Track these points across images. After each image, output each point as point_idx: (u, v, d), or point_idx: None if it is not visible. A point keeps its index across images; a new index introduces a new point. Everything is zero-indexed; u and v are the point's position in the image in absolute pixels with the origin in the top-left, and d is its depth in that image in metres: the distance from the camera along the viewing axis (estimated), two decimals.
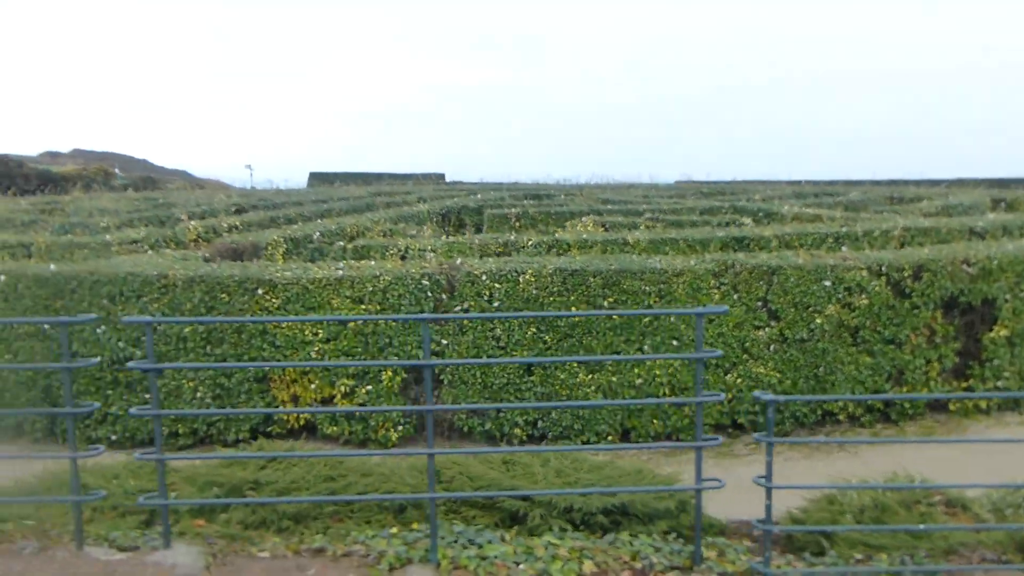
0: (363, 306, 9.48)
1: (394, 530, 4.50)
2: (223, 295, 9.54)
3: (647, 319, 9.46)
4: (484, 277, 9.50)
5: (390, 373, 9.44)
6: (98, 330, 9.64)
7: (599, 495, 5.81)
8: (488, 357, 9.37)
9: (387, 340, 9.41)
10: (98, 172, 39.20)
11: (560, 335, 9.43)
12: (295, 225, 15.08)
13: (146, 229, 14.58)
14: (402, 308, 9.46)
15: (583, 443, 9.45)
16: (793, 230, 12.78)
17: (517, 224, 17.32)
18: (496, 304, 9.50)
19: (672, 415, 9.57)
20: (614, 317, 9.40)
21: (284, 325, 9.41)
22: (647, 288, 9.53)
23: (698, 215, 16.28)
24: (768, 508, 3.87)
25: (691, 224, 15.16)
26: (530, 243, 12.15)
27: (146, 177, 41.52)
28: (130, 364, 3.79)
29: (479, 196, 23.13)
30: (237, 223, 16.28)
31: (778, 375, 9.71)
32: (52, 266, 10.12)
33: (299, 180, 49.87)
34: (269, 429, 9.69)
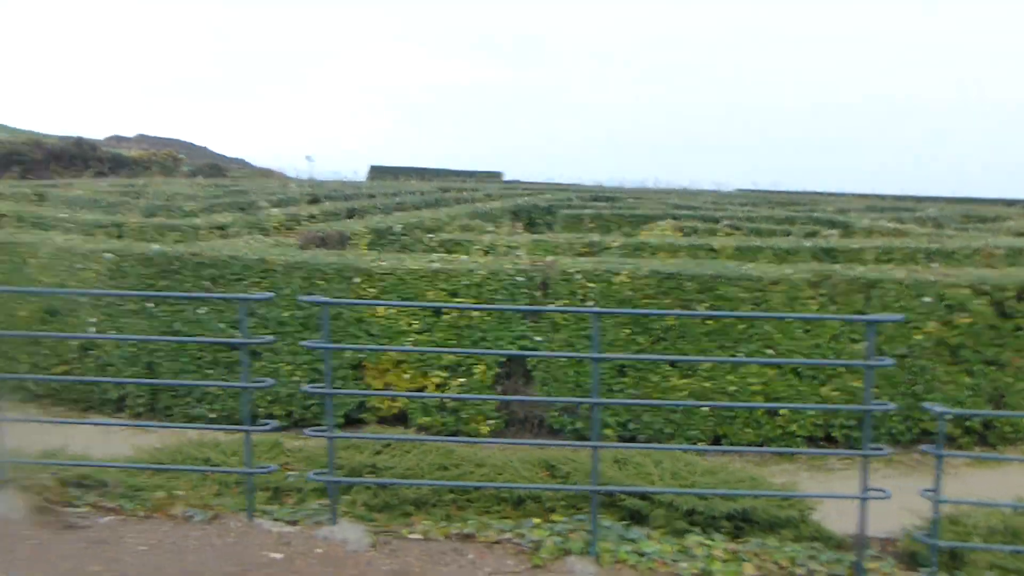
0: (457, 299, 9.57)
1: (536, 520, 4.54)
2: (321, 281, 9.72)
3: (742, 325, 9.39)
4: (578, 276, 9.52)
5: (483, 367, 9.51)
6: (198, 311, 9.89)
7: (721, 498, 5.80)
8: (579, 359, 9.39)
9: (481, 334, 9.49)
10: (166, 157, 40.17)
11: (654, 337, 9.41)
12: (375, 217, 15.28)
13: (232, 215, 14.90)
14: (495, 303, 9.53)
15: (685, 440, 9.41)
16: (883, 244, 12.56)
17: (591, 225, 17.31)
18: (590, 304, 9.52)
19: (764, 424, 9.49)
20: (708, 322, 9.35)
21: (381, 314, 9.54)
22: (743, 295, 9.45)
23: (776, 224, 16.09)
24: (935, 522, 3.82)
25: (770, 233, 15.00)
26: (615, 244, 12.14)
27: (211, 164, 42.39)
28: (306, 343, 3.89)
29: (547, 196, 23.18)
30: (316, 212, 16.56)
31: (875, 390, 9.54)
32: (155, 246, 10.41)
33: (355, 172, 50.26)
34: (362, 416, 9.83)
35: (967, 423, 9.69)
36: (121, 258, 10.22)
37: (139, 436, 9.86)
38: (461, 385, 9.62)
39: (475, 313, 9.53)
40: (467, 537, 4.19)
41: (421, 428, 9.85)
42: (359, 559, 3.54)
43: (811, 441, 9.46)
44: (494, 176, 49.94)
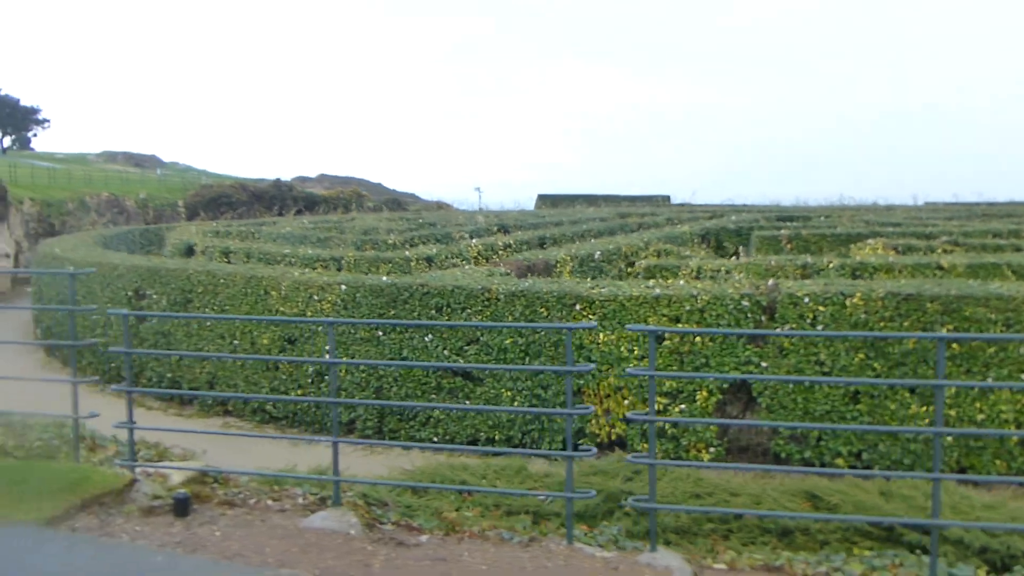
0: (679, 324, 9.51)
1: (845, 555, 4.39)
2: (542, 309, 9.96)
3: (992, 348, 8.73)
4: (807, 299, 9.21)
5: (705, 393, 9.37)
6: (426, 338, 10.40)
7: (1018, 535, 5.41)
8: (808, 386, 9.06)
9: (704, 359, 9.37)
10: (352, 195, 42.70)
11: (892, 362, 8.93)
12: (574, 244, 15.50)
13: (435, 246, 15.60)
14: (721, 328, 9.39)
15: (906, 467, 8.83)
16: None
17: (789, 247, 16.73)
18: (820, 327, 9.18)
19: (1019, 456, 8.74)
20: (954, 345, 8.76)
21: (602, 340, 9.65)
22: (992, 316, 8.79)
23: (1002, 238, 14.89)
24: None
25: (996, 248, 13.89)
26: (831, 265, 11.66)
27: (392, 199, 44.66)
28: (630, 371, 3.98)
29: (733, 218, 22.67)
30: (511, 241, 17.02)
31: None
32: (385, 278, 11.07)
33: (516, 202, 51.07)
34: (580, 442, 9.95)
35: None
36: (355, 289, 10.94)
37: (369, 457, 10.52)
38: (681, 411, 9.53)
39: (697, 339, 9.43)
40: (776, 569, 4.11)
41: (638, 453, 9.83)
42: None
43: None
44: (662, 200, 49.46)
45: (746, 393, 9.50)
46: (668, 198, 50.55)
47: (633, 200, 48.04)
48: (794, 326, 9.21)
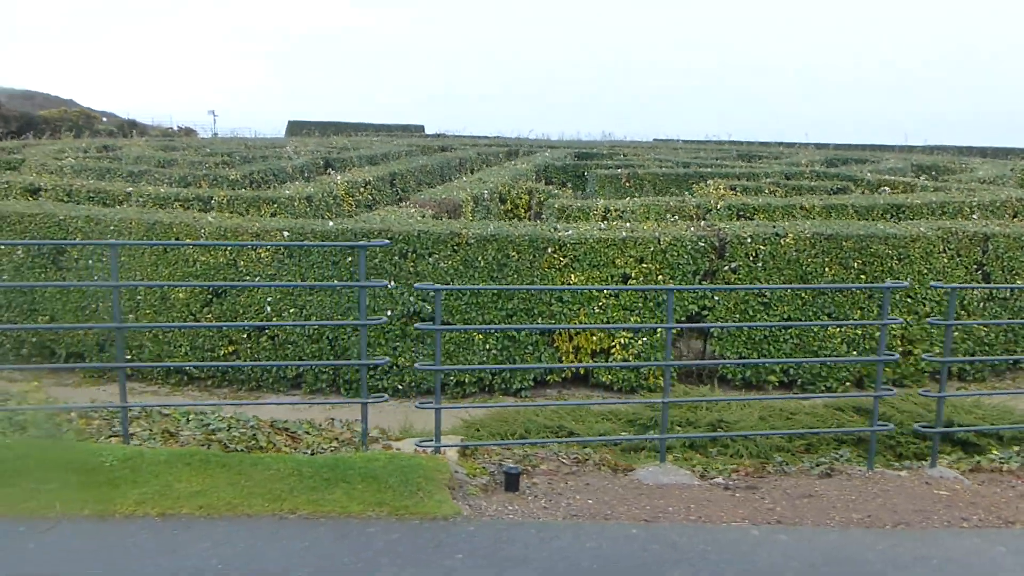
0: (644, 264, 10.30)
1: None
2: (514, 253, 10.17)
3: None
4: (750, 240, 10.46)
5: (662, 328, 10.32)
6: (390, 284, 10.13)
7: None
8: (753, 312, 10.40)
9: (663, 297, 10.28)
10: (80, 116, 37.38)
11: (816, 292, 10.52)
12: (453, 183, 15.52)
13: (313, 185, 14.77)
14: (679, 267, 10.33)
15: (826, 388, 10.63)
16: (938, 199, 14.18)
17: (627, 184, 18.18)
18: (760, 264, 10.50)
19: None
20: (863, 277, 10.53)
21: (573, 281, 10.14)
22: (890, 252, 10.70)
23: (814, 180, 17.57)
24: None
25: (809, 190, 16.42)
26: (719, 206, 13.12)
27: (129, 122, 39.82)
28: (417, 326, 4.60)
29: (548, 155, 23.77)
30: (370, 179, 16.53)
31: (985, 329, 11.11)
32: (330, 223, 10.47)
33: (260, 128, 48.05)
34: (548, 378, 10.47)
35: None
36: (300, 236, 10.23)
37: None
38: (643, 343, 10.42)
39: (660, 277, 10.31)
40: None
41: (602, 386, 10.60)
42: (969, 489, 4.40)
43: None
44: (416, 130, 49.49)
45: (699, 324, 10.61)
46: (422, 128, 50.74)
47: (390, 130, 47.60)
48: (741, 263, 10.44)
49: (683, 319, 10.40)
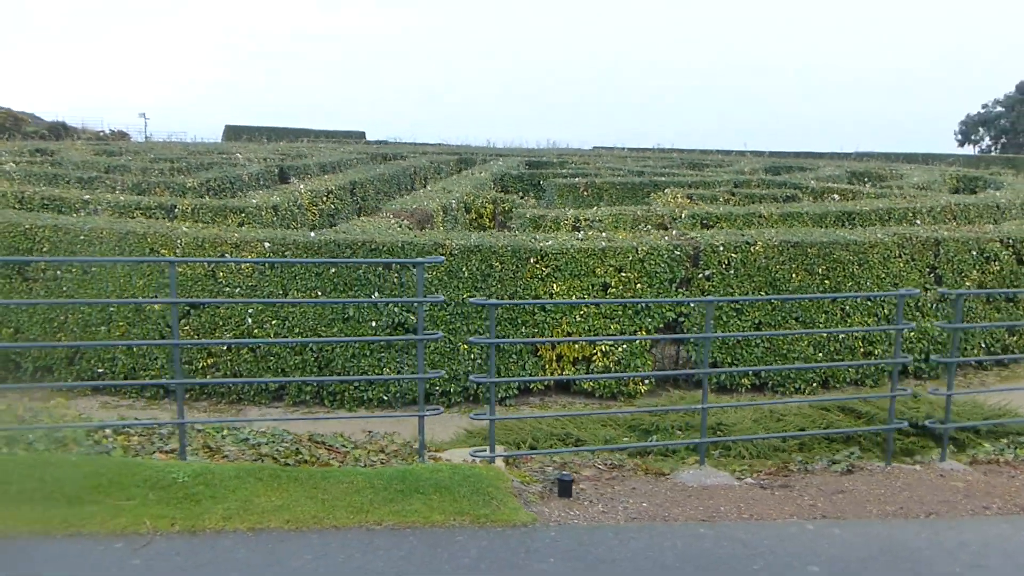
0: (623, 274, 10.59)
1: None
2: (497, 263, 10.33)
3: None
4: (722, 248, 10.86)
5: (643, 334, 10.63)
6: (374, 296, 10.16)
7: None
8: (727, 318, 10.81)
9: (644, 306, 10.60)
10: (7, 118, 35.92)
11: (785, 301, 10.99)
12: (420, 192, 15.58)
13: (277, 193, 14.63)
14: (657, 275, 10.66)
15: (794, 390, 11.10)
16: (884, 206, 14.94)
17: (585, 194, 18.53)
18: (732, 271, 10.91)
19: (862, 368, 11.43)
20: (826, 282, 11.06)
21: (556, 291, 10.36)
22: (851, 258, 11.25)
23: (766, 188, 18.23)
24: None
25: (761, 199, 17.07)
26: (684, 215, 13.55)
27: (58, 124, 38.41)
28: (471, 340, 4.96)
29: (502, 163, 23.99)
30: (332, 187, 16.47)
31: (937, 330, 11.79)
32: (312, 234, 10.44)
33: (196, 132, 47.08)
34: (531, 386, 10.65)
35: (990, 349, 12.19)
36: (281, 247, 10.18)
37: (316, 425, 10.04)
38: (623, 350, 10.70)
39: (638, 286, 10.62)
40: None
41: (583, 392, 10.84)
42: (980, 480, 4.78)
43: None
44: (357, 136, 49.12)
45: (674, 332, 10.96)
46: (363, 135, 50.41)
47: (330, 135, 47.06)
48: (715, 270, 10.83)
49: (661, 325, 10.73)
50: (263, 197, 14.10)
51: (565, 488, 4.41)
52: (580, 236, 11.04)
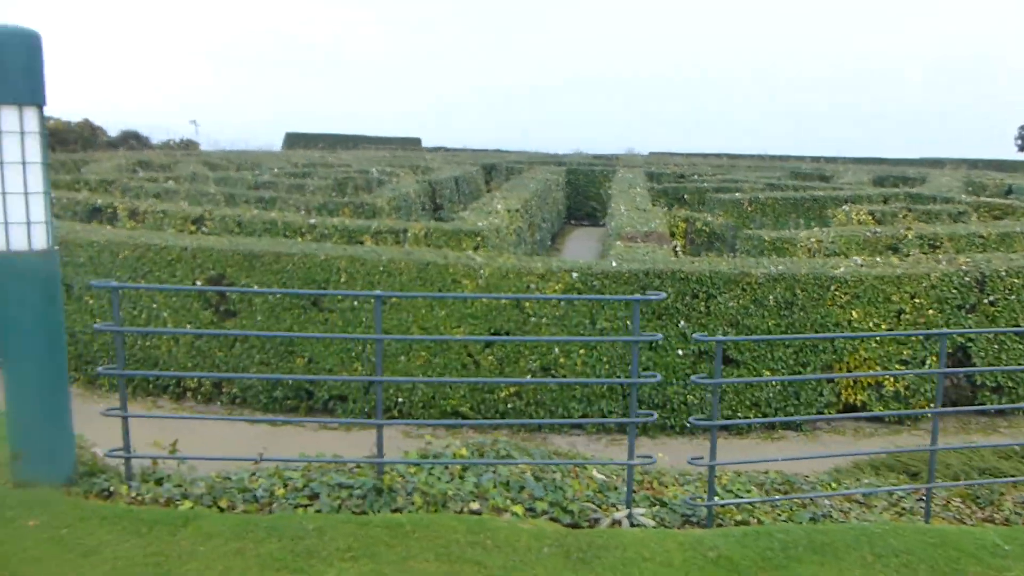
0: (916, 300, 10.68)
1: None
2: (800, 292, 10.40)
3: None
4: (1005, 274, 10.95)
5: (935, 356, 10.73)
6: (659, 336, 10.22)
7: None
8: (1012, 343, 10.90)
9: (932, 327, 10.68)
10: (84, 128, 35.80)
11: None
12: (619, 210, 15.63)
13: (427, 221, 14.64)
14: (947, 301, 10.75)
15: None
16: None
17: (750, 209, 18.61)
18: (1015, 297, 11.01)
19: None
20: None
21: (854, 318, 10.43)
22: None
23: (936, 204, 18.37)
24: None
25: (937, 215, 17.16)
26: (911, 236, 13.65)
27: (129, 133, 38.30)
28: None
29: (631, 175, 24.03)
30: (518, 206, 16.46)
31: None
32: (613, 263, 10.50)
33: (243, 142, 46.65)
34: (824, 410, 10.72)
35: None
36: (589, 276, 10.22)
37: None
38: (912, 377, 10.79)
39: (930, 312, 10.70)
40: None
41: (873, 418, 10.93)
42: None
43: None
44: (413, 143, 49.00)
45: (966, 353, 11.04)
46: (419, 141, 50.30)
47: (389, 143, 46.99)
48: (1000, 296, 10.92)
49: (950, 351, 10.83)
50: (483, 219, 14.12)
51: None
52: (857, 261, 11.11)
